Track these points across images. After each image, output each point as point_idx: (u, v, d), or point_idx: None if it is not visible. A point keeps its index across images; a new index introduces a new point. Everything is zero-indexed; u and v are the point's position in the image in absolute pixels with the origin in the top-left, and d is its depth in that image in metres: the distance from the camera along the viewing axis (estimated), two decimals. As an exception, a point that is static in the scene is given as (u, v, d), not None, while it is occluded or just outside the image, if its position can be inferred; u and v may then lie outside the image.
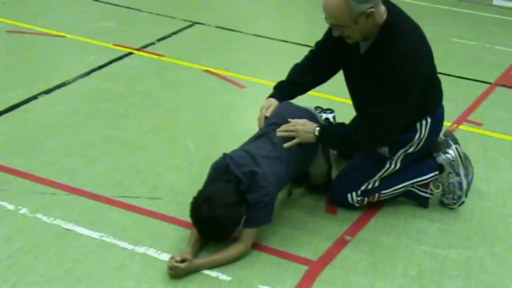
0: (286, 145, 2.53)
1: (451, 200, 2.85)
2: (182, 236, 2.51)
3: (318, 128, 2.55)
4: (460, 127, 3.70)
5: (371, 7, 2.33)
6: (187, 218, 2.59)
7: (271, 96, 2.78)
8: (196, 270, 2.33)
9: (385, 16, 2.44)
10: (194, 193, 2.78)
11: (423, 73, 2.49)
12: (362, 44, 2.54)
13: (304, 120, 2.59)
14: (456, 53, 5.15)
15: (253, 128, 2.78)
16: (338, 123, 2.87)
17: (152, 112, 3.58)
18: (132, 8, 5.53)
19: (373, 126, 2.50)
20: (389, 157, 2.71)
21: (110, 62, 4.23)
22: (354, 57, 2.59)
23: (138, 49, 4.50)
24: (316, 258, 2.47)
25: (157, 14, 5.42)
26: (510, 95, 4.37)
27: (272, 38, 5.09)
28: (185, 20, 5.27)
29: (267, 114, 2.68)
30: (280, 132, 2.57)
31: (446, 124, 3.24)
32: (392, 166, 2.72)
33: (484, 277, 2.44)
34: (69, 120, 3.40)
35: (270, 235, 2.58)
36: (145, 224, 2.58)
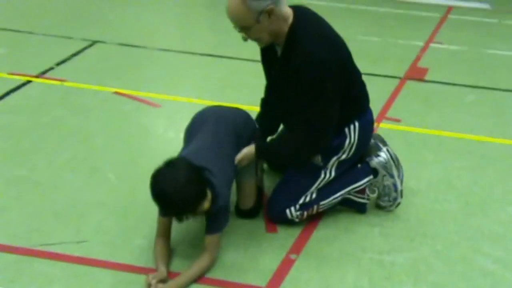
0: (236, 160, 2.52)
1: (387, 202, 2.82)
2: (118, 280, 2.30)
3: (254, 149, 2.53)
4: (381, 125, 3.71)
5: (269, 4, 2.30)
6: (121, 260, 2.42)
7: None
8: None
9: (291, 19, 2.40)
10: (124, 231, 2.61)
11: (339, 71, 2.42)
12: (278, 49, 2.50)
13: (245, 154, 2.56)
14: (364, 51, 5.19)
15: (176, 149, 2.60)
16: (273, 138, 2.79)
17: (62, 144, 3.30)
18: (22, 31, 5.14)
19: (304, 132, 2.46)
20: (322, 166, 2.64)
21: (7, 94, 3.88)
22: (274, 63, 2.55)
23: (36, 76, 4.17)
24: (264, 284, 2.34)
25: (52, 35, 5.06)
26: (421, 87, 4.46)
27: (178, 51, 4.91)
28: (84, 40, 4.96)
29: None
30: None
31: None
32: (327, 175, 2.65)
33: (432, 277, 2.42)
34: (-31, 164, 3.07)
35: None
36: (75, 272, 2.34)
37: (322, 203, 2.69)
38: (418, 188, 3.04)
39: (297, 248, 2.56)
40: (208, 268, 2.38)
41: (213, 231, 2.39)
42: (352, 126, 2.60)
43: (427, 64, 4.95)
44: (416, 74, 4.72)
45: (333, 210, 2.78)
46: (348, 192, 2.74)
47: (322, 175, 2.65)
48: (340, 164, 2.66)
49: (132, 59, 4.71)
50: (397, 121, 3.81)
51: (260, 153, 2.55)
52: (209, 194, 2.27)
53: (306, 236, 2.64)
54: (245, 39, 2.43)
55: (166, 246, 2.43)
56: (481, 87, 4.53)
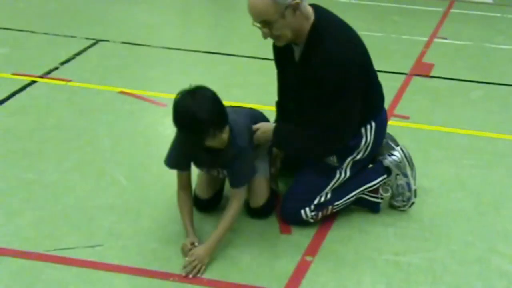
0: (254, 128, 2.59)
1: (401, 202, 2.80)
2: (133, 285, 2.28)
3: (273, 129, 2.57)
4: (390, 123, 3.68)
5: None
6: (136, 264, 2.39)
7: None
8: (213, 249, 2.42)
9: (312, 18, 2.37)
10: (137, 234, 2.58)
11: (360, 72, 2.41)
12: (296, 50, 2.46)
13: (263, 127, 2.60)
14: (367, 47, 5.16)
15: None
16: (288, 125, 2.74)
17: (70, 146, 3.26)
18: (24, 31, 5.08)
19: (323, 131, 2.45)
20: (338, 166, 2.62)
21: (13, 95, 3.84)
22: (290, 65, 2.52)
23: (41, 76, 4.12)
24: (282, 287, 2.32)
25: (54, 34, 5.01)
26: (427, 84, 4.44)
27: (182, 49, 4.87)
28: (87, 39, 4.91)
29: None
30: None
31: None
32: (343, 175, 2.63)
33: (449, 278, 2.40)
34: (-24, 167, 3.03)
35: (228, 268, 2.40)
36: (89, 278, 2.31)
37: (336, 203, 2.66)
38: (430, 187, 3.02)
39: (312, 249, 2.54)
40: (238, 215, 2.50)
41: (238, 184, 2.47)
42: (368, 126, 2.59)
43: (433, 59, 4.92)
44: (422, 70, 4.69)
45: (346, 210, 2.75)
46: (362, 192, 2.72)
47: (338, 175, 2.63)
48: (355, 164, 2.64)
49: (136, 57, 4.67)
50: (406, 118, 3.79)
51: (276, 135, 2.56)
52: (228, 128, 2.35)
53: (321, 237, 2.62)
54: (265, 36, 2.36)
55: (189, 199, 2.55)
56: (488, 83, 4.51)
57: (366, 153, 2.62)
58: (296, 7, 2.28)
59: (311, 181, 2.64)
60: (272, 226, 2.68)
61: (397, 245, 2.59)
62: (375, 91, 2.62)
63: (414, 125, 3.70)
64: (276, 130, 2.57)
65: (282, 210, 2.70)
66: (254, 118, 2.67)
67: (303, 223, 2.65)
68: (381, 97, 2.69)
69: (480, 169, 3.22)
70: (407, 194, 2.77)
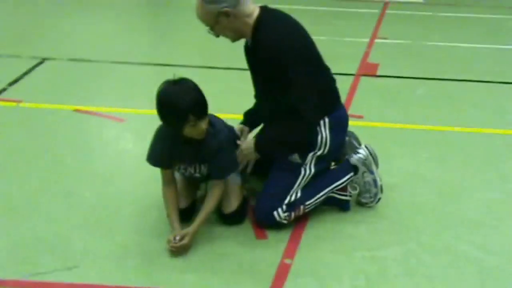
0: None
1: (368, 198, 2.89)
2: (118, 303, 2.26)
3: (254, 142, 2.72)
4: (346, 123, 3.79)
5: (225, 7, 2.51)
6: (118, 282, 2.37)
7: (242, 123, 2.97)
8: (195, 233, 2.55)
9: (255, 15, 2.58)
10: (113, 251, 2.56)
11: (302, 53, 2.58)
12: (249, 42, 2.69)
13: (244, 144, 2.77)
14: (313, 50, 5.30)
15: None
16: (264, 129, 2.92)
17: (31, 167, 3.19)
18: (-36, 53, 4.93)
19: (294, 115, 2.57)
20: (301, 163, 2.72)
21: (-39, 119, 3.72)
22: (248, 56, 2.75)
23: (-11, 99, 4.01)
24: (266, 291, 2.36)
25: (-3, 55, 4.89)
26: (375, 83, 4.60)
27: (131, 63, 4.84)
28: (33, 57, 4.81)
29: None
30: None
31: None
32: (307, 171, 2.73)
33: (423, 269, 2.50)
34: None
35: (210, 278, 2.41)
36: (72, 300, 2.28)
37: (307, 203, 2.74)
38: (393, 183, 3.13)
39: (289, 252, 2.59)
40: (218, 202, 2.64)
41: (220, 176, 2.62)
42: (321, 122, 2.68)
43: (377, 59, 5.10)
44: (368, 70, 4.85)
45: (318, 211, 2.82)
46: (332, 191, 2.80)
47: (303, 172, 2.72)
48: (318, 160, 2.73)
49: (86, 74, 4.61)
50: (360, 117, 3.91)
51: (259, 146, 2.71)
52: (207, 120, 2.48)
53: (296, 240, 2.67)
54: (216, 36, 2.64)
55: (174, 194, 2.64)
56: (430, 78, 4.72)
57: (327, 149, 2.72)
58: (227, 14, 2.52)
59: (279, 180, 2.71)
60: (248, 232, 2.72)
61: (370, 241, 2.67)
62: (327, 84, 2.74)
63: (369, 123, 3.82)
64: (257, 142, 2.72)
65: (256, 213, 2.75)
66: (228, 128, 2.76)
67: (278, 225, 2.70)
68: (334, 94, 2.81)
69: (436, 161, 3.37)
70: (374, 190, 2.87)
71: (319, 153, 2.71)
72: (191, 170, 2.68)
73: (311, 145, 2.69)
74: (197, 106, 2.42)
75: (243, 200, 2.78)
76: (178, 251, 2.50)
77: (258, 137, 2.78)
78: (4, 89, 4.18)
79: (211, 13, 2.52)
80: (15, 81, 4.34)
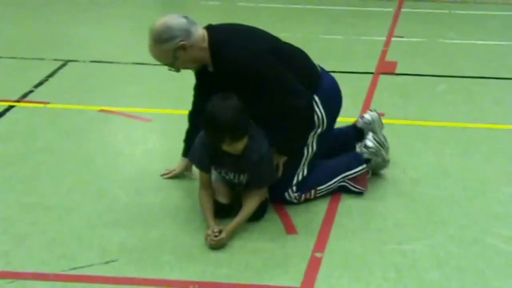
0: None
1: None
2: (156, 296, 2.33)
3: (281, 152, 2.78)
4: (367, 120, 3.84)
5: (180, 41, 2.53)
6: (154, 275, 2.44)
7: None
8: (232, 234, 2.62)
9: (206, 40, 2.60)
10: (149, 247, 2.63)
11: (270, 57, 2.61)
12: (209, 68, 2.67)
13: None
14: (330, 50, 5.35)
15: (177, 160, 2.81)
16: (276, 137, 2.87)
17: (64, 168, 3.26)
18: (-11, 57, 5.02)
19: (291, 110, 2.65)
20: (303, 145, 2.83)
21: (-7, 121, 3.81)
22: (208, 78, 2.73)
23: (17, 101, 4.09)
24: (299, 284, 2.41)
25: (22, 58, 4.97)
26: (395, 81, 4.64)
27: (153, 64, 4.87)
28: (56, 60, 4.89)
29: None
30: None
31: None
32: (310, 150, 2.85)
33: (453, 262, 2.55)
34: (-28, 196, 2.99)
35: (243, 271, 2.47)
36: (112, 293, 2.34)
37: (319, 188, 2.89)
38: (417, 177, 3.18)
39: (320, 246, 2.64)
40: (256, 207, 2.71)
41: (259, 185, 2.71)
42: (313, 103, 2.76)
43: (394, 57, 5.14)
44: (386, 68, 4.89)
45: (344, 206, 2.90)
46: (343, 179, 2.94)
47: (306, 152, 2.84)
48: (319, 137, 2.83)
49: (108, 75, 4.69)
50: (381, 114, 3.93)
51: (282, 151, 2.76)
52: (245, 140, 2.54)
53: (326, 234, 2.73)
54: (177, 71, 2.66)
55: (210, 197, 2.74)
56: (449, 76, 4.75)
57: (325, 125, 2.81)
58: (183, 47, 2.54)
59: (285, 164, 2.81)
60: (278, 228, 2.77)
61: (399, 235, 2.72)
62: (301, 64, 2.79)
63: (391, 120, 3.86)
64: (278, 149, 2.75)
65: (270, 196, 2.84)
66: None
67: (290, 203, 2.88)
68: (312, 70, 2.85)
69: (460, 157, 3.42)
70: (385, 156, 3.10)
71: (319, 131, 2.82)
72: (231, 176, 2.76)
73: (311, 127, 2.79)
74: (234, 129, 2.48)
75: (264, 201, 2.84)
76: (217, 244, 2.57)
77: (279, 147, 2.77)
78: (31, 91, 4.26)
79: (168, 51, 2.54)
80: (41, 83, 4.42)
